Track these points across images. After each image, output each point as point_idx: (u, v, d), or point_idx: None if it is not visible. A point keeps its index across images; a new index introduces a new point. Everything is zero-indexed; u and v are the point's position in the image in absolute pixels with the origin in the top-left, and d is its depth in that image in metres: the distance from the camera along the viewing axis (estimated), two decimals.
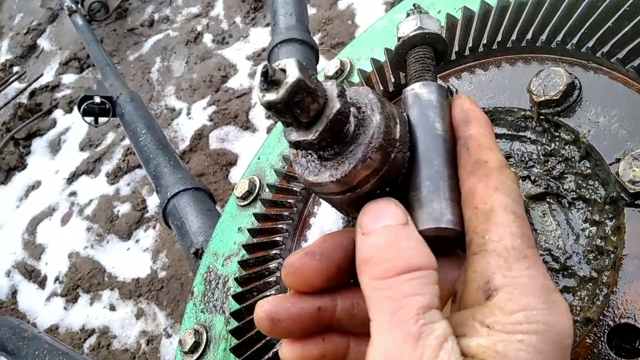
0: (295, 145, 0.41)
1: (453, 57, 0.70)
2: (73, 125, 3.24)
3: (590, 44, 0.56)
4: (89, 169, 2.92)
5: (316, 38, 2.70)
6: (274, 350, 0.69)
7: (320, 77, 1.16)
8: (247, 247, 0.82)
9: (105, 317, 2.34)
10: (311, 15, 2.80)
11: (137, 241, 2.47)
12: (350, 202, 0.43)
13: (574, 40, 0.58)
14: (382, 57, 0.83)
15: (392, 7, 2.57)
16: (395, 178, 0.43)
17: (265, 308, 0.46)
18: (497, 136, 0.64)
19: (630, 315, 0.44)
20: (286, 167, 0.87)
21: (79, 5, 3.24)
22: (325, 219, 0.74)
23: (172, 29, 3.34)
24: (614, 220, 0.51)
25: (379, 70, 0.78)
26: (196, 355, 0.99)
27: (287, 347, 0.47)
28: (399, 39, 0.53)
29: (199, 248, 1.24)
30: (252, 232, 0.85)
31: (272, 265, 0.73)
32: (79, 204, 2.84)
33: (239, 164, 2.46)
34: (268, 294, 0.74)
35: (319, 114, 0.39)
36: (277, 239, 0.77)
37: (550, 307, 0.36)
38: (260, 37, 2.93)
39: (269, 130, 2.47)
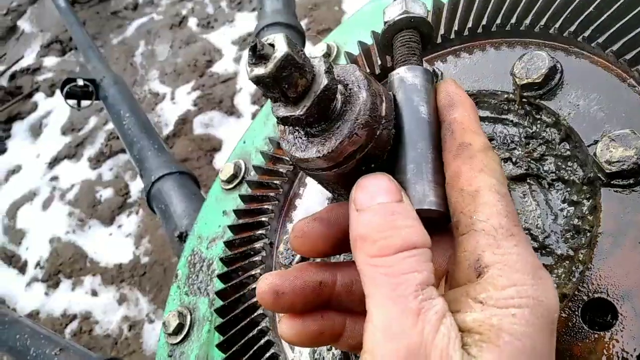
0: (283, 121, 0.41)
1: (439, 40, 0.71)
2: (55, 109, 3.22)
3: (572, 28, 0.58)
4: (71, 153, 2.91)
5: (303, 23, 2.69)
6: (259, 327, 0.70)
7: None
8: (233, 228, 0.82)
9: (87, 302, 2.34)
10: (298, 1, 2.79)
11: (119, 226, 2.47)
12: (337, 178, 0.44)
13: (557, 25, 0.59)
14: (369, 41, 0.84)
15: None
16: (380, 154, 0.44)
17: (268, 281, 0.47)
18: (481, 119, 0.66)
19: (603, 290, 0.46)
20: (272, 149, 0.87)
21: None
22: (311, 200, 0.75)
23: (156, 13, 3.31)
24: (590, 200, 0.52)
25: (366, 53, 0.79)
26: (180, 337, 1.00)
27: (287, 323, 0.48)
28: (385, 23, 0.54)
29: (184, 231, 1.24)
30: (238, 213, 0.86)
31: (258, 245, 0.74)
32: (61, 188, 2.83)
33: (223, 149, 2.46)
34: (253, 273, 0.75)
35: (306, 90, 0.40)
36: (263, 219, 0.78)
37: (539, 283, 0.38)
38: (246, 21, 2.92)
39: (254, 115, 2.47)
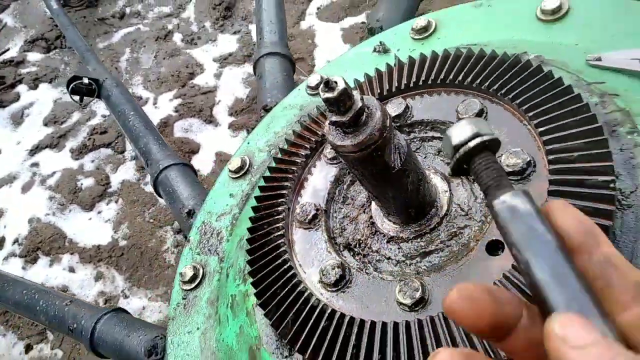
0: (334, 123, 0.73)
1: (412, 84, 1.05)
2: (37, 101, 3.38)
3: (494, 87, 0.93)
4: (53, 143, 3.08)
5: None
6: (281, 256, 0.98)
7: (303, 86, 1.49)
8: (260, 196, 1.09)
9: (65, 277, 2.51)
10: None
11: (99, 212, 2.67)
12: (359, 158, 0.75)
13: (485, 84, 0.94)
14: (359, 78, 1.17)
15: (347, 30, 2.92)
16: (384, 146, 0.75)
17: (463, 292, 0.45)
18: (434, 138, 1.00)
19: (497, 235, 0.80)
20: (287, 145, 1.16)
21: None
22: (316, 182, 1.05)
23: (142, 24, 3.55)
24: None
25: (360, 87, 1.12)
26: (194, 284, 1.28)
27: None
28: (456, 147, 0.55)
29: (192, 209, 1.52)
30: (264, 186, 1.13)
31: (279, 208, 1.03)
32: (41, 174, 2.99)
33: (200, 152, 2.72)
34: (277, 225, 1.03)
35: (349, 107, 0.71)
36: (283, 192, 1.07)
37: None
38: (227, 42, 3.22)
39: (230, 125, 2.75)
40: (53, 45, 3.69)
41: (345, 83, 0.69)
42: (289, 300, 0.86)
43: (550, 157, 0.77)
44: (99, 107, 3.11)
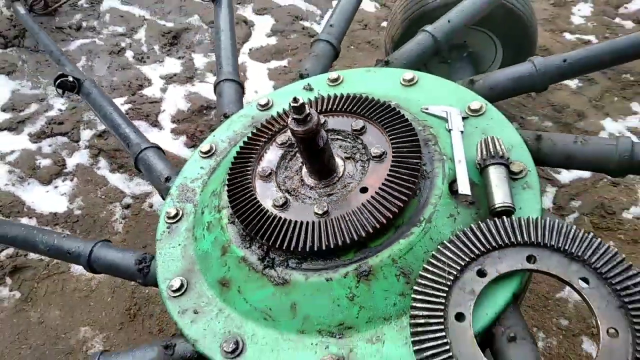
0: (294, 119, 1.47)
1: (328, 109, 1.82)
2: None
3: (370, 114, 1.72)
4: (12, 127, 3.44)
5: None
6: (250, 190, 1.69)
7: (254, 103, 2.23)
8: (238, 156, 1.80)
9: None
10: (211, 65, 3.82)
11: (56, 187, 3.12)
12: (304, 138, 1.49)
13: (366, 113, 1.74)
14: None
15: (272, 70, 3.69)
16: (319, 131, 1.50)
17: None
18: (339, 139, 1.78)
19: (366, 184, 1.58)
20: (252, 132, 1.88)
21: None
22: (270, 156, 1.78)
23: (98, 39, 4.07)
24: (370, 164, 1.65)
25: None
26: (175, 220, 1.95)
27: None
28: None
29: (169, 175, 2.18)
30: (240, 152, 1.85)
31: (249, 167, 1.74)
32: (0, 151, 3.36)
33: None
34: (248, 171, 1.74)
35: (303, 112, 1.46)
36: (253, 155, 1.77)
37: None
38: (172, 65, 3.84)
39: (172, 130, 3.36)
40: (11, 43, 4.08)
41: (304, 101, 1.46)
42: (255, 213, 1.58)
43: (394, 151, 1.58)
44: (56, 102, 3.60)
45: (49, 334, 2.53)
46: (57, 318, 2.58)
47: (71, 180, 3.18)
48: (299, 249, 1.48)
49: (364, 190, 1.56)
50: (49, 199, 3.09)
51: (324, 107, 1.80)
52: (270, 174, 1.70)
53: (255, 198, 1.61)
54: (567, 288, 2.54)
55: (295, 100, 1.43)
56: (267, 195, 1.65)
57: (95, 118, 3.50)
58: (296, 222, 1.51)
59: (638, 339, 1.25)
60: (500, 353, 1.35)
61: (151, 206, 3.00)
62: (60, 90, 2.85)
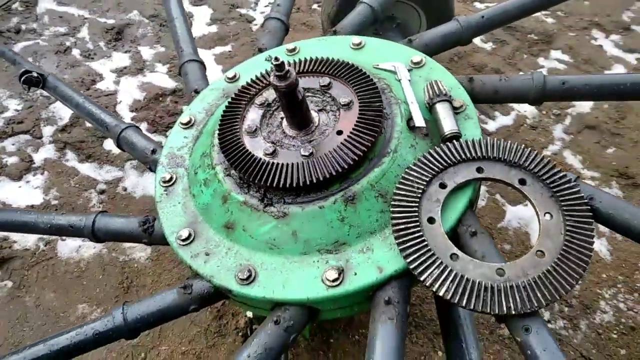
0: (277, 75, 1.74)
1: (298, 71, 2.11)
2: None
3: (336, 73, 2.03)
4: None
5: (166, 68, 3.90)
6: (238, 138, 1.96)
7: (223, 78, 2.48)
8: (225, 114, 2.06)
9: None
10: (159, 55, 3.98)
11: (27, 182, 3.18)
12: (285, 92, 1.77)
13: (331, 71, 2.04)
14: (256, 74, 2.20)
15: (218, 56, 3.87)
16: (296, 87, 1.79)
17: None
18: (310, 95, 2.07)
19: (340, 127, 1.89)
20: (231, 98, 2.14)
21: None
22: (252, 116, 2.05)
23: (40, 40, 4.11)
24: (340, 112, 1.96)
25: (258, 79, 2.16)
26: (171, 183, 2.18)
27: None
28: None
29: (154, 148, 2.40)
30: (226, 112, 2.11)
31: (236, 125, 2.00)
32: None
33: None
34: (237, 132, 2.00)
35: (283, 69, 1.74)
36: (238, 112, 2.04)
37: None
38: (120, 59, 3.96)
39: (132, 118, 3.51)
40: None
41: (283, 60, 1.74)
42: (250, 162, 1.85)
43: (360, 99, 1.90)
44: (11, 103, 3.65)
45: (48, 314, 2.68)
46: (53, 300, 2.73)
47: (42, 174, 3.27)
48: (294, 185, 1.76)
49: (339, 133, 1.86)
50: (22, 193, 3.16)
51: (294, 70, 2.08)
52: (255, 130, 1.97)
53: (248, 150, 1.88)
54: (507, 218, 2.96)
55: (276, 59, 1.70)
56: (256, 147, 1.92)
57: (54, 114, 3.59)
58: (288, 164, 1.79)
59: (567, 219, 1.62)
60: (467, 246, 1.69)
61: (125, 189, 3.16)
62: (25, 87, 2.97)
